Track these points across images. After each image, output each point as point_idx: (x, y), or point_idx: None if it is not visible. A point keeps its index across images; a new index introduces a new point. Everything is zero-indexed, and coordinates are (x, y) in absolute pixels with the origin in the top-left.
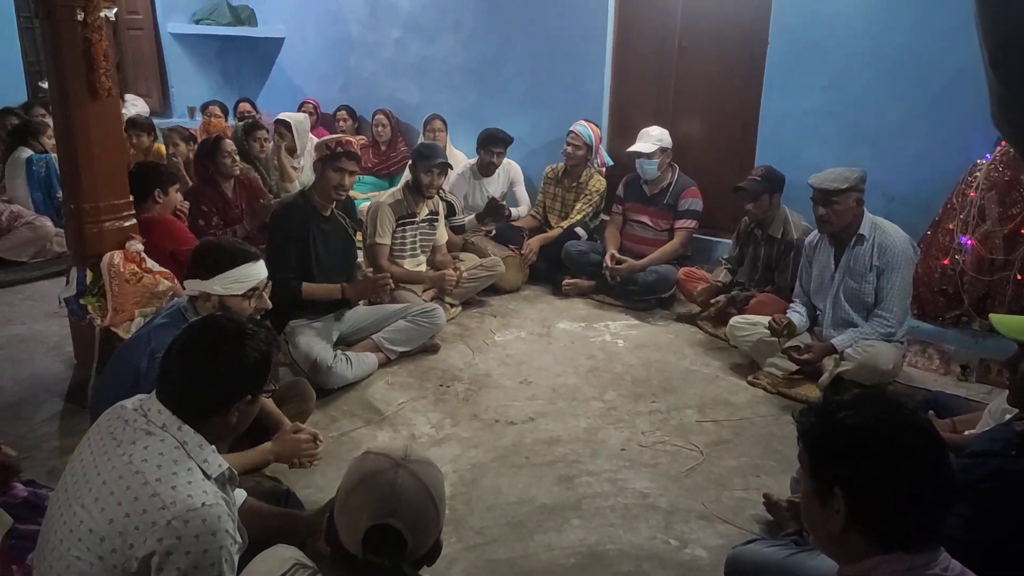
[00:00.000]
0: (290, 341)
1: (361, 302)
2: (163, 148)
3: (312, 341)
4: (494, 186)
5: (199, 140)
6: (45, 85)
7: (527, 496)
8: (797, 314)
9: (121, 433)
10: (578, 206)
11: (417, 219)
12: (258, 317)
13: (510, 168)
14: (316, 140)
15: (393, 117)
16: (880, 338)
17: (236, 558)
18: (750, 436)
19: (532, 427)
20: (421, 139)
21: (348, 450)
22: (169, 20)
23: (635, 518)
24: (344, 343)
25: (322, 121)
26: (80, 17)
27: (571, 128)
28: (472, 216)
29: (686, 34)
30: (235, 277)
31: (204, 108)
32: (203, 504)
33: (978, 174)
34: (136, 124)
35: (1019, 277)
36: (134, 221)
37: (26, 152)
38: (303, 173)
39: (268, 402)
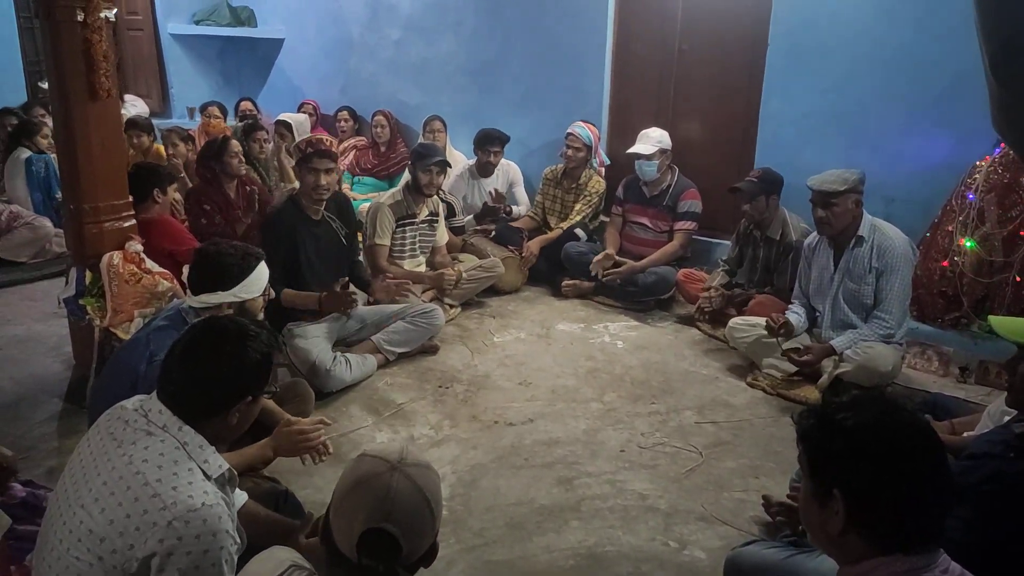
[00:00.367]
0: (288, 343)
1: (362, 300)
2: (163, 149)
3: (311, 344)
4: (493, 187)
5: (197, 141)
6: (45, 85)
7: (526, 497)
8: (796, 315)
9: (121, 433)
10: (577, 207)
11: (417, 220)
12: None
13: (509, 169)
14: None
15: (393, 118)
16: (879, 340)
17: (236, 559)
18: (749, 437)
19: (531, 428)
20: (421, 140)
21: (347, 451)
22: (169, 21)
23: (634, 519)
24: (343, 344)
25: (322, 122)
26: (80, 18)
27: (569, 130)
28: (471, 217)
29: (686, 36)
30: (253, 280)
31: (203, 109)
32: (203, 504)
33: (977, 176)
34: (136, 125)
35: (1018, 279)
36: (133, 222)
37: (25, 152)
38: None
39: (269, 403)
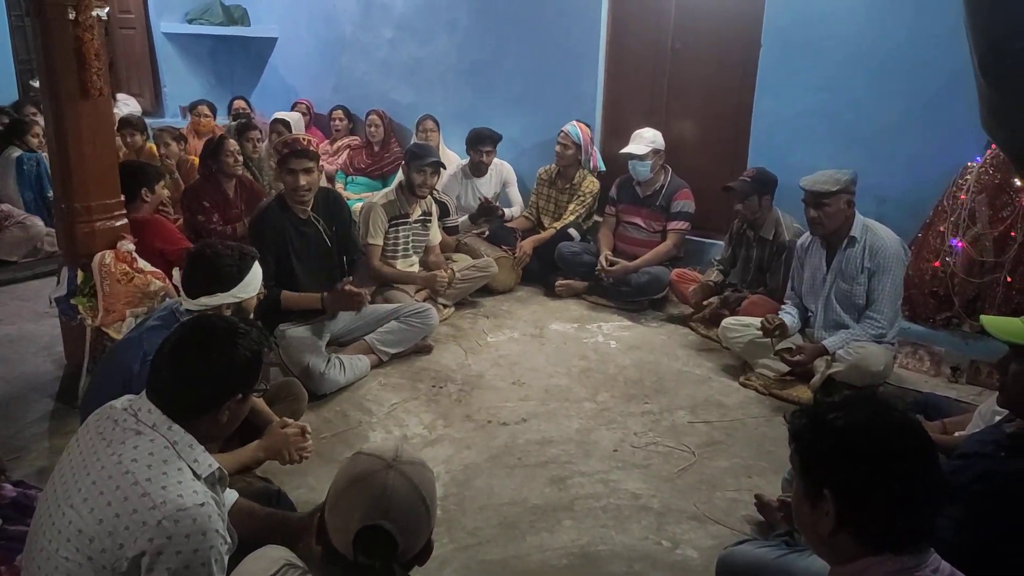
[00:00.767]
0: (280, 345)
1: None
2: (155, 148)
3: (303, 346)
4: (486, 187)
5: (188, 140)
6: (36, 84)
7: (519, 497)
8: (789, 315)
9: (111, 433)
10: (571, 207)
11: (410, 219)
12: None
13: (502, 169)
14: None
15: (386, 118)
16: (871, 340)
17: (226, 558)
18: (742, 437)
19: (524, 428)
20: (414, 140)
21: (340, 451)
22: (161, 19)
23: (627, 519)
24: (336, 343)
25: (316, 121)
26: (72, 16)
27: (562, 128)
28: (465, 217)
29: (679, 36)
30: (250, 279)
31: (192, 108)
32: (193, 504)
33: (969, 177)
34: (129, 123)
35: (1009, 279)
36: (125, 221)
37: (17, 151)
38: None
39: (259, 402)
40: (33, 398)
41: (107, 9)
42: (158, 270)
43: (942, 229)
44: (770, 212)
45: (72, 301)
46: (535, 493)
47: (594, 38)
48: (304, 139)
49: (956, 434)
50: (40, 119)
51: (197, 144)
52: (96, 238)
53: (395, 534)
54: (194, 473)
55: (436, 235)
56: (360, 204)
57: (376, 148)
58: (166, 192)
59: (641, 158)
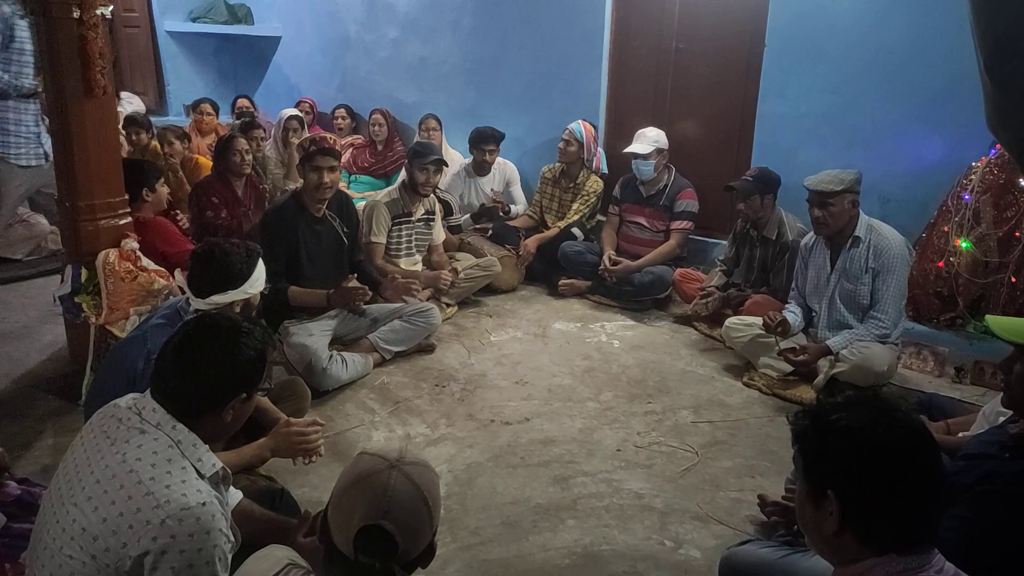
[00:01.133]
0: (284, 341)
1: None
2: (159, 146)
3: (307, 342)
4: (490, 186)
5: (191, 138)
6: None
7: (522, 496)
8: (792, 315)
9: (115, 431)
10: (575, 206)
11: (413, 218)
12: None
13: (506, 168)
14: None
15: (390, 117)
16: (875, 340)
17: (229, 557)
18: (745, 437)
19: (527, 427)
20: (417, 138)
21: (343, 450)
22: (166, 18)
23: (630, 519)
24: (339, 342)
25: (319, 120)
26: (76, 15)
27: (567, 126)
28: (468, 216)
29: (683, 36)
30: (258, 275)
31: (195, 106)
32: (197, 503)
33: (973, 177)
34: (135, 122)
35: (1013, 280)
36: (129, 219)
37: None
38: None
39: (264, 400)
40: (37, 396)
41: (111, 7)
42: (161, 268)
43: (946, 229)
44: (773, 212)
45: (76, 299)
46: (538, 493)
47: (598, 38)
48: (331, 138)
49: (960, 435)
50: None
51: (200, 143)
52: (100, 236)
53: (395, 534)
54: (198, 472)
55: (439, 234)
56: (363, 203)
57: (379, 147)
58: (166, 190)
59: (644, 157)
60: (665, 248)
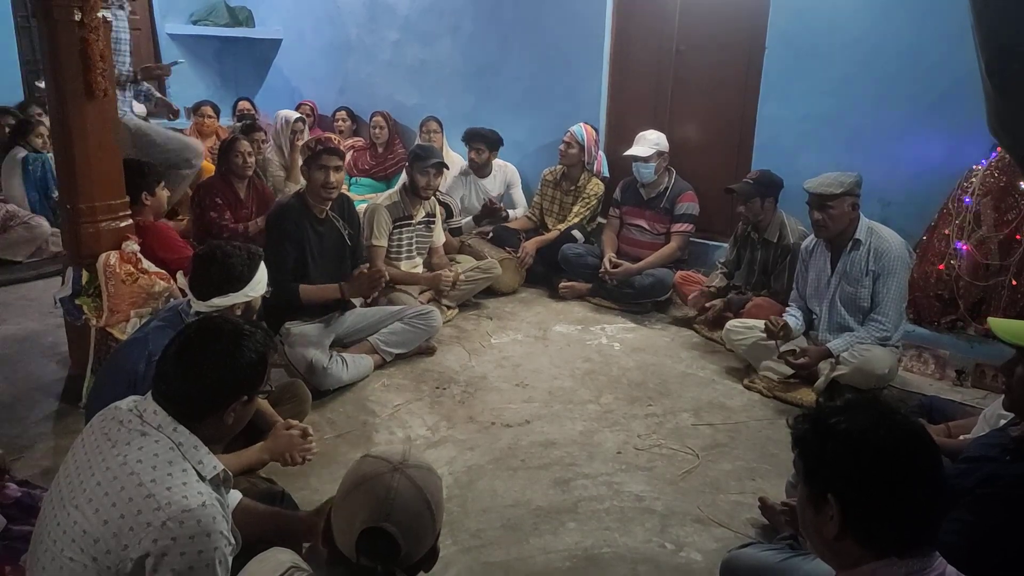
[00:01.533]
0: (285, 342)
1: (359, 303)
2: None
3: (308, 342)
4: (491, 188)
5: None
6: (42, 84)
7: (523, 499)
8: (793, 318)
9: (116, 434)
10: (575, 209)
11: (414, 221)
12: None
13: (507, 170)
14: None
15: (391, 119)
16: (876, 342)
17: (230, 559)
18: (746, 440)
19: (528, 430)
20: (417, 141)
21: (344, 452)
22: (167, 21)
23: (630, 521)
24: (340, 345)
25: (320, 123)
26: (77, 17)
27: (568, 129)
28: (469, 218)
29: (683, 39)
30: (259, 277)
31: (196, 108)
32: (198, 505)
33: (974, 180)
34: None
35: (1014, 282)
36: (130, 222)
37: (22, 151)
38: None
39: (264, 403)
40: (38, 398)
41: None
42: (162, 271)
43: (947, 232)
44: (774, 215)
45: (77, 301)
46: (538, 495)
47: (598, 41)
48: (335, 139)
49: (961, 438)
50: (45, 119)
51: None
52: (101, 238)
53: (397, 537)
54: (199, 474)
55: (440, 236)
56: (364, 205)
57: (380, 149)
58: (167, 193)
59: (645, 160)
60: (666, 251)
